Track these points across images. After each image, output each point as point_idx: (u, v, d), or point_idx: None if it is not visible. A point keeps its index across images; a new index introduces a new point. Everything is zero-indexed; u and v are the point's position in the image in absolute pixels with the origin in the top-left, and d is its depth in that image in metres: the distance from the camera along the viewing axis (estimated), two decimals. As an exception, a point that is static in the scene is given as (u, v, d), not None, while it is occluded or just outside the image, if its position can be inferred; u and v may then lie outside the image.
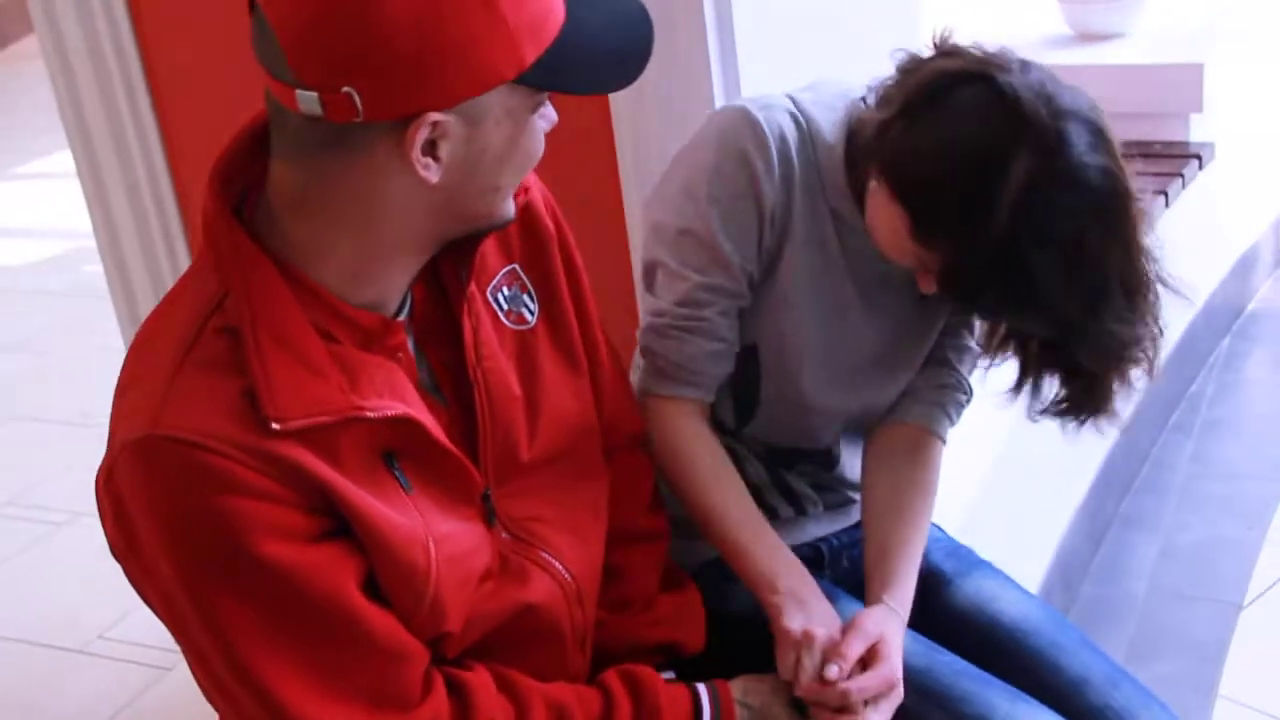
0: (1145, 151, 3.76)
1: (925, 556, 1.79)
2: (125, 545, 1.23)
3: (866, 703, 1.49)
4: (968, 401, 1.80)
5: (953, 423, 1.78)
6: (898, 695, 1.52)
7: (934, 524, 1.87)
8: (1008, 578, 1.83)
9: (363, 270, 1.25)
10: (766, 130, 1.59)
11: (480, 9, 1.13)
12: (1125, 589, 3.00)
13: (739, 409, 1.73)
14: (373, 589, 1.25)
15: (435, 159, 1.18)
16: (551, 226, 1.48)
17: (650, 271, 1.65)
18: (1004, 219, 1.38)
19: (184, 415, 1.16)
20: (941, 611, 1.76)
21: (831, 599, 1.62)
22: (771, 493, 1.80)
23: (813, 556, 1.80)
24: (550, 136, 1.30)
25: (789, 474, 1.80)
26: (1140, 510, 3.28)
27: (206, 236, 1.24)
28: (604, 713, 1.39)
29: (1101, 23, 4.05)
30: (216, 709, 1.32)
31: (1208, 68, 3.72)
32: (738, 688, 1.49)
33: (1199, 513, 3.24)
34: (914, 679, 1.58)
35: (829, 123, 1.63)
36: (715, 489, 1.62)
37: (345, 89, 1.12)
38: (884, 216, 1.52)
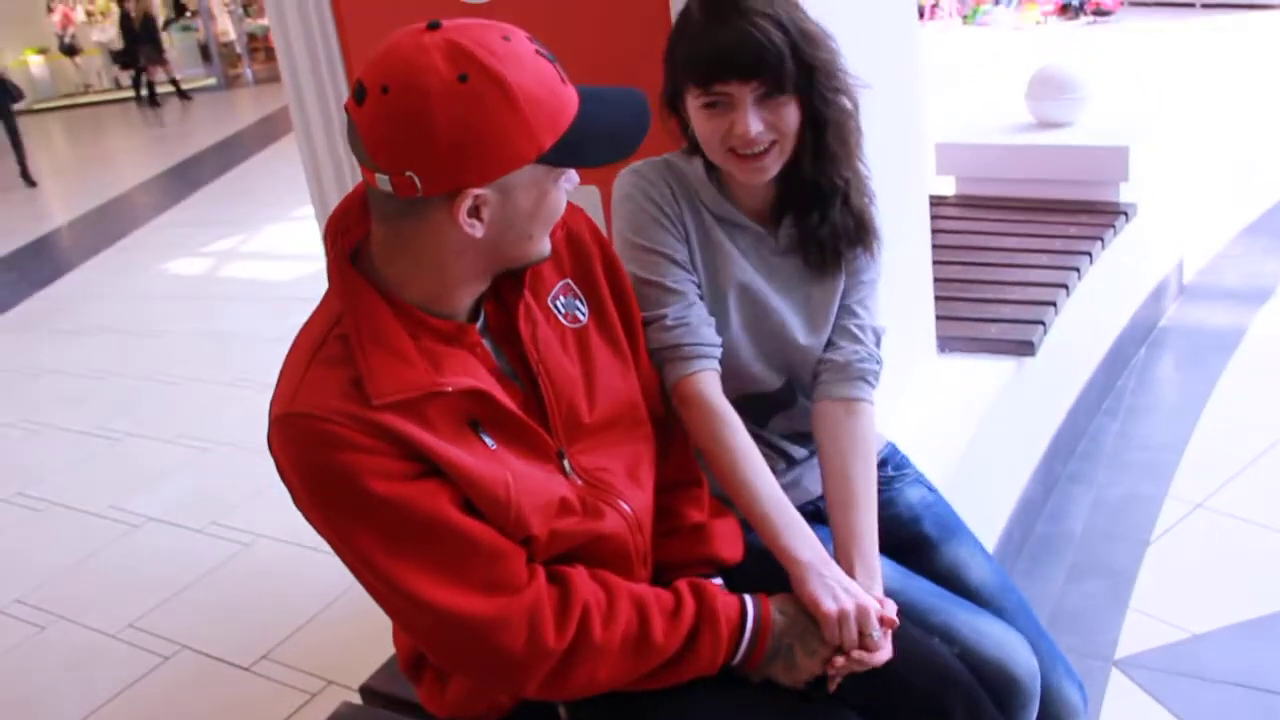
0: (1088, 209, 3.71)
1: (919, 523, 1.70)
2: (291, 493, 1.23)
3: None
4: (879, 368, 1.60)
5: (873, 387, 1.59)
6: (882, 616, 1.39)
7: (930, 489, 1.77)
8: (977, 544, 1.72)
9: (438, 293, 1.24)
10: (651, 171, 1.56)
11: (506, 111, 1.12)
12: (1067, 528, 2.94)
13: None
14: (471, 510, 1.23)
15: (479, 219, 1.17)
16: (594, 247, 1.43)
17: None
18: None
19: (308, 397, 1.17)
20: (925, 568, 1.65)
21: (826, 543, 1.52)
22: (765, 453, 1.63)
23: (814, 513, 1.66)
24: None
25: (767, 432, 1.65)
26: (1080, 471, 3.22)
27: (330, 274, 1.24)
28: (674, 608, 1.33)
29: (1056, 114, 3.98)
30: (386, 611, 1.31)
31: (1132, 149, 3.68)
32: (776, 601, 1.39)
33: (1122, 474, 3.17)
34: (893, 597, 1.48)
35: (679, 155, 1.60)
36: (743, 466, 1.46)
37: (408, 173, 1.13)
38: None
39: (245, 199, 9.19)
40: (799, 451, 1.68)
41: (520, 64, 1.13)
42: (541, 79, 1.14)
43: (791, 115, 1.45)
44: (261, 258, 7.14)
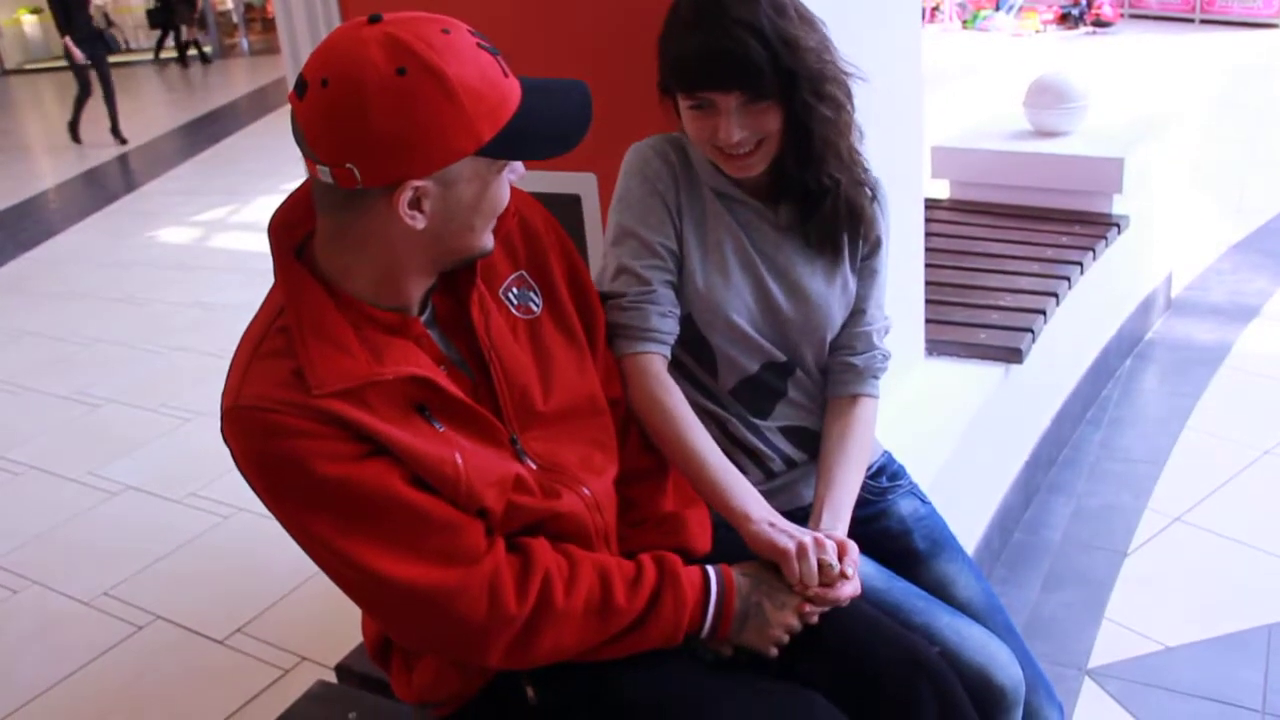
0: (1081, 219, 3.72)
1: (908, 537, 1.70)
2: (248, 484, 1.23)
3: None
4: (887, 363, 1.67)
5: (878, 379, 1.65)
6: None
7: (923, 502, 1.76)
8: (967, 561, 1.71)
9: (383, 285, 1.24)
10: (653, 148, 1.58)
11: (444, 103, 1.12)
12: (1045, 537, 2.95)
13: (704, 363, 1.61)
14: (424, 486, 1.23)
15: (421, 211, 1.18)
16: (549, 238, 1.43)
17: (606, 271, 1.57)
18: None
19: (252, 389, 1.18)
20: (912, 582, 1.64)
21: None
22: (764, 455, 1.65)
23: (804, 518, 1.61)
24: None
25: (765, 424, 1.64)
26: (1060, 481, 3.22)
27: (275, 267, 1.25)
28: (636, 574, 1.34)
29: (1053, 123, 3.97)
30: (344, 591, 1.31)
31: (1126, 160, 3.66)
32: (738, 566, 1.41)
33: (1102, 485, 3.18)
34: (876, 597, 1.50)
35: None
36: (687, 432, 1.47)
37: (347, 165, 1.13)
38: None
39: (236, 169, 9.15)
40: (798, 455, 1.67)
41: (459, 57, 1.13)
42: (482, 72, 1.15)
43: (774, 119, 1.46)
44: (250, 229, 7.10)
